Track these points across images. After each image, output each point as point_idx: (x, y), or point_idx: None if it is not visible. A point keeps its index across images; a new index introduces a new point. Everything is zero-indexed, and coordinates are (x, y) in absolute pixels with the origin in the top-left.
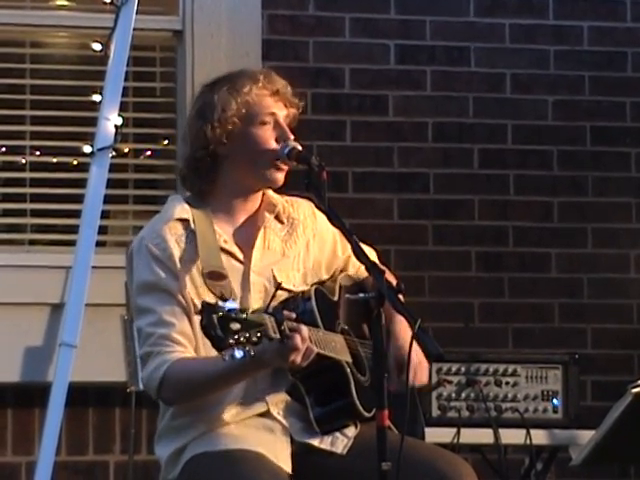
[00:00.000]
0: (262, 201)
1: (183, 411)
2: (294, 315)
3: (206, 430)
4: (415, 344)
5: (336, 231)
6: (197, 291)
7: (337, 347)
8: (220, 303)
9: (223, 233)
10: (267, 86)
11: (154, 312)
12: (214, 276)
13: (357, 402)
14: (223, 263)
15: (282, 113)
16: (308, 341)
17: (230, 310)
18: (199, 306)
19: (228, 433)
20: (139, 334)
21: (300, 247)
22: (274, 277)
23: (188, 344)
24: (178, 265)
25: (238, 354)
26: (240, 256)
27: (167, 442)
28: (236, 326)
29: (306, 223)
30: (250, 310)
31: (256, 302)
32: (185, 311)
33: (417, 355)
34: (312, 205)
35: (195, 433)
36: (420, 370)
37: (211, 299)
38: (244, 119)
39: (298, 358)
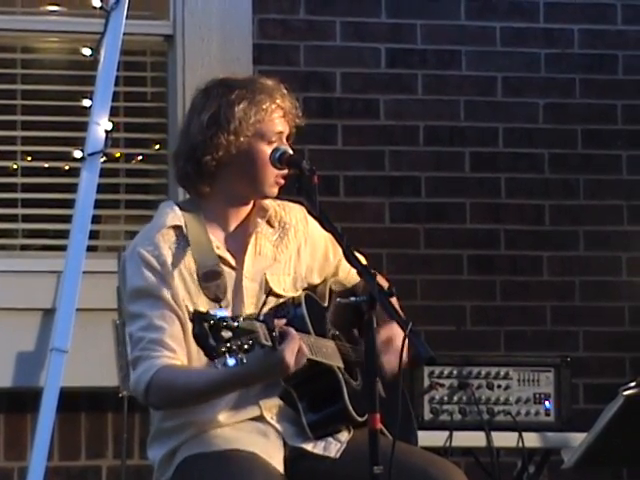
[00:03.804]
0: (254, 206)
1: (175, 413)
2: (284, 321)
3: (198, 432)
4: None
5: (328, 235)
6: (191, 298)
7: (328, 352)
8: (211, 311)
9: (215, 239)
10: (281, 105)
11: (145, 317)
12: (209, 276)
13: (349, 407)
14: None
15: (286, 131)
16: (300, 343)
17: (221, 318)
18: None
19: (221, 435)
20: (130, 339)
21: (291, 251)
22: (266, 282)
23: (178, 349)
24: (171, 272)
25: (230, 361)
26: (232, 262)
27: (159, 444)
28: (228, 334)
29: (298, 227)
30: (243, 316)
31: (248, 308)
32: (177, 316)
33: (399, 341)
34: (304, 209)
35: (187, 435)
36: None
37: (205, 306)
38: (255, 134)
39: (292, 359)
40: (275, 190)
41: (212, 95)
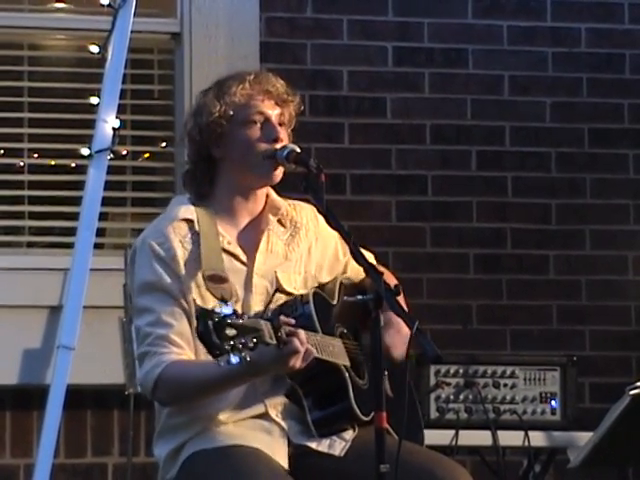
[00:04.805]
0: (266, 203)
1: (181, 410)
2: (293, 321)
3: (203, 429)
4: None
5: (337, 234)
6: (200, 292)
7: (335, 351)
8: (216, 309)
9: (227, 235)
10: (255, 86)
11: (153, 312)
12: (215, 279)
13: (355, 406)
14: (225, 265)
15: (274, 112)
16: (306, 344)
17: (226, 316)
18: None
19: (225, 431)
20: (137, 333)
21: (302, 251)
22: (277, 279)
23: (186, 346)
24: (181, 266)
25: (234, 359)
26: (243, 258)
27: (165, 441)
28: (232, 332)
29: (308, 227)
30: (251, 313)
31: (257, 304)
32: (185, 312)
33: (399, 325)
34: (314, 209)
35: (192, 432)
36: (399, 338)
37: (212, 302)
38: (232, 120)
39: (297, 362)
40: (274, 173)
41: (195, 102)
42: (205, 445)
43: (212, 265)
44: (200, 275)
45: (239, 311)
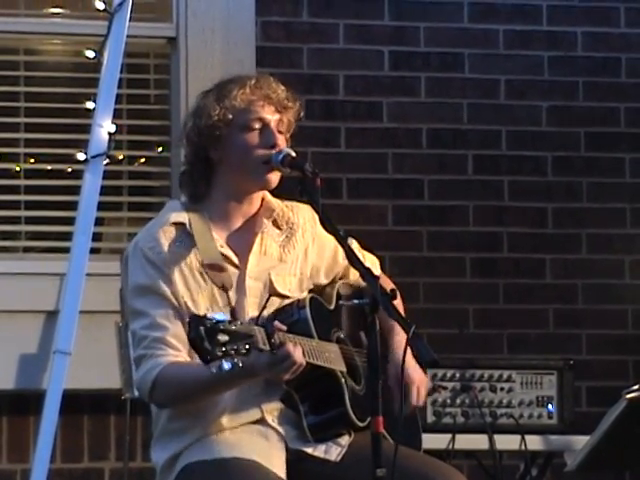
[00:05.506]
0: (261, 206)
1: (178, 415)
2: (285, 327)
3: (201, 436)
4: (415, 362)
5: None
6: (191, 295)
7: (331, 357)
8: (209, 315)
9: (219, 238)
10: (255, 91)
11: (148, 315)
12: (215, 267)
13: (350, 411)
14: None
15: (273, 118)
16: (299, 354)
17: (218, 322)
18: (193, 309)
19: (223, 440)
20: (133, 336)
21: (298, 252)
22: (271, 282)
23: (182, 347)
24: (172, 268)
25: (226, 365)
26: (236, 260)
27: (162, 447)
28: (224, 338)
29: (305, 228)
30: (245, 316)
31: (251, 307)
32: (179, 314)
33: (419, 373)
34: (312, 210)
35: (190, 439)
36: (423, 388)
37: (205, 302)
38: (230, 124)
39: (291, 369)
40: (270, 178)
41: (194, 103)
42: (202, 455)
43: (210, 255)
44: (191, 277)
45: (232, 317)
